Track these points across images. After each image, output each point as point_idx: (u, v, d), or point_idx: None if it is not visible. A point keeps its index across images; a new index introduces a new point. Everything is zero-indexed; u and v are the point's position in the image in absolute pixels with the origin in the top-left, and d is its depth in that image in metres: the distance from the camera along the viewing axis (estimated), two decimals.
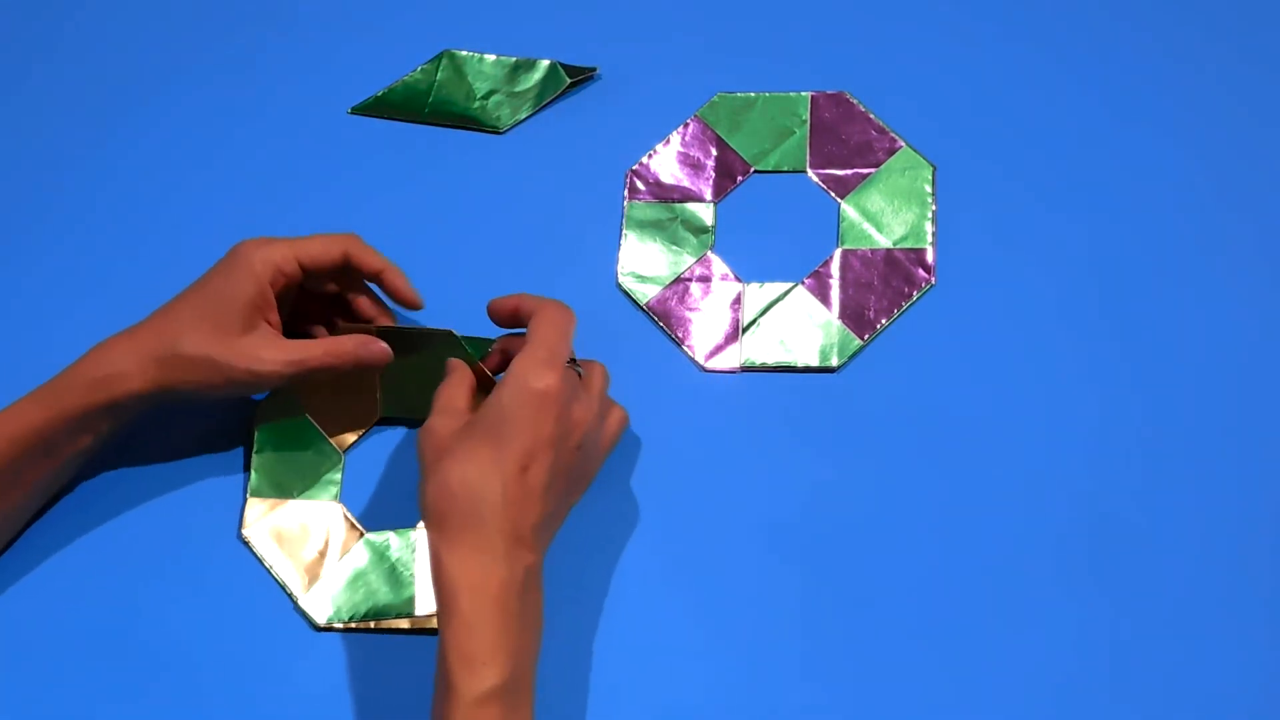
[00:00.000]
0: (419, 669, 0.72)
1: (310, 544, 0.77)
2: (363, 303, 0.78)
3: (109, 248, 0.87)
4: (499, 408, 0.67)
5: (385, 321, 0.79)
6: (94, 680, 0.75)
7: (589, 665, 0.72)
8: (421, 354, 0.76)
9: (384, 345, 0.75)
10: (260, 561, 0.77)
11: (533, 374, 0.67)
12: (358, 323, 0.78)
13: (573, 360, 0.71)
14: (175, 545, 0.78)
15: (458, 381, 0.72)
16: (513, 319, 0.74)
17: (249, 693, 0.74)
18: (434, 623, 0.73)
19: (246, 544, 0.77)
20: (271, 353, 0.73)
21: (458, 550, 0.65)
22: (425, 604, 0.74)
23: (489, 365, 0.75)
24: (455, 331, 0.74)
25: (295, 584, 0.76)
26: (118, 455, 0.79)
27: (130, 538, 0.78)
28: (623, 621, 0.73)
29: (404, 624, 0.74)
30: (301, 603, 0.75)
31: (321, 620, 0.75)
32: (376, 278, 0.76)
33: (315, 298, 0.79)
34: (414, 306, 0.77)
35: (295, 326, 0.79)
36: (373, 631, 0.75)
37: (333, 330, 0.79)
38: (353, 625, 0.75)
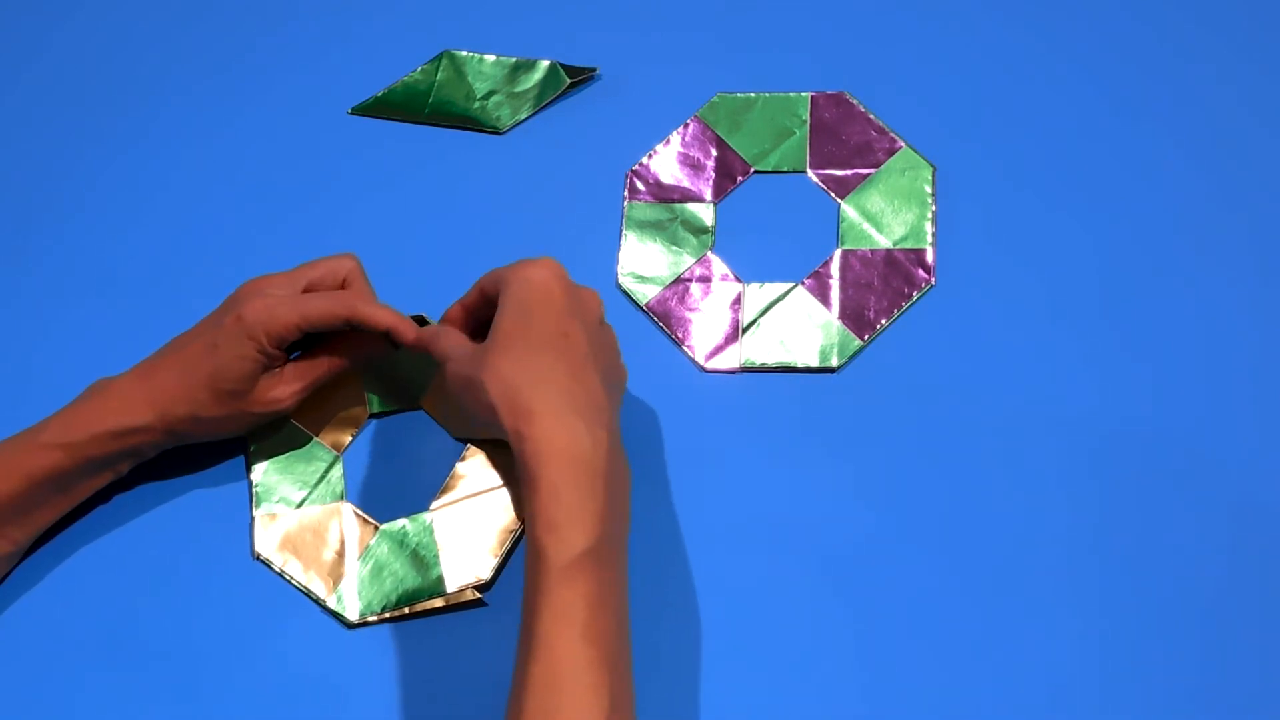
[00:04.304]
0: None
1: (327, 547, 0.77)
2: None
3: (108, 248, 0.87)
4: (512, 301, 0.68)
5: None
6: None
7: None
8: (400, 346, 0.77)
9: (381, 341, 0.76)
10: (281, 575, 0.76)
11: (525, 269, 0.68)
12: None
13: None
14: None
15: (450, 330, 0.72)
16: (466, 311, 0.74)
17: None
18: (469, 595, 0.74)
19: (263, 562, 0.77)
20: (284, 390, 0.75)
21: (536, 421, 0.64)
22: (456, 579, 0.74)
23: (466, 321, 0.75)
24: (426, 315, 0.76)
25: (320, 589, 0.76)
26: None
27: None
28: None
29: (439, 603, 0.74)
30: (330, 605, 0.75)
31: (354, 617, 0.75)
32: (386, 336, 0.75)
33: None
34: (424, 349, 0.75)
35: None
36: (408, 617, 0.75)
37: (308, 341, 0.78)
38: (387, 615, 0.75)
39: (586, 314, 0.69)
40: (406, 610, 0.74)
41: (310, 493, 0.78)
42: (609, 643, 0.62)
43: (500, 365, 0.66)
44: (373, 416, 0.80)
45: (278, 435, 0.79)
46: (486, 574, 0.74)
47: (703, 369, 0.79)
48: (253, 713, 0.73)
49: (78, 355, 0.83)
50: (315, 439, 0.79)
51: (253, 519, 0.78)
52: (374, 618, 0.75)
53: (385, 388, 0.80)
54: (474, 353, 0.69)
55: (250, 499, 0.78)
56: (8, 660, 0.76)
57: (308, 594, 0.76)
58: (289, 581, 0.76)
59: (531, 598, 0.62)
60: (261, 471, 0.79)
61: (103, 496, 0.78)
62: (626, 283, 0.82)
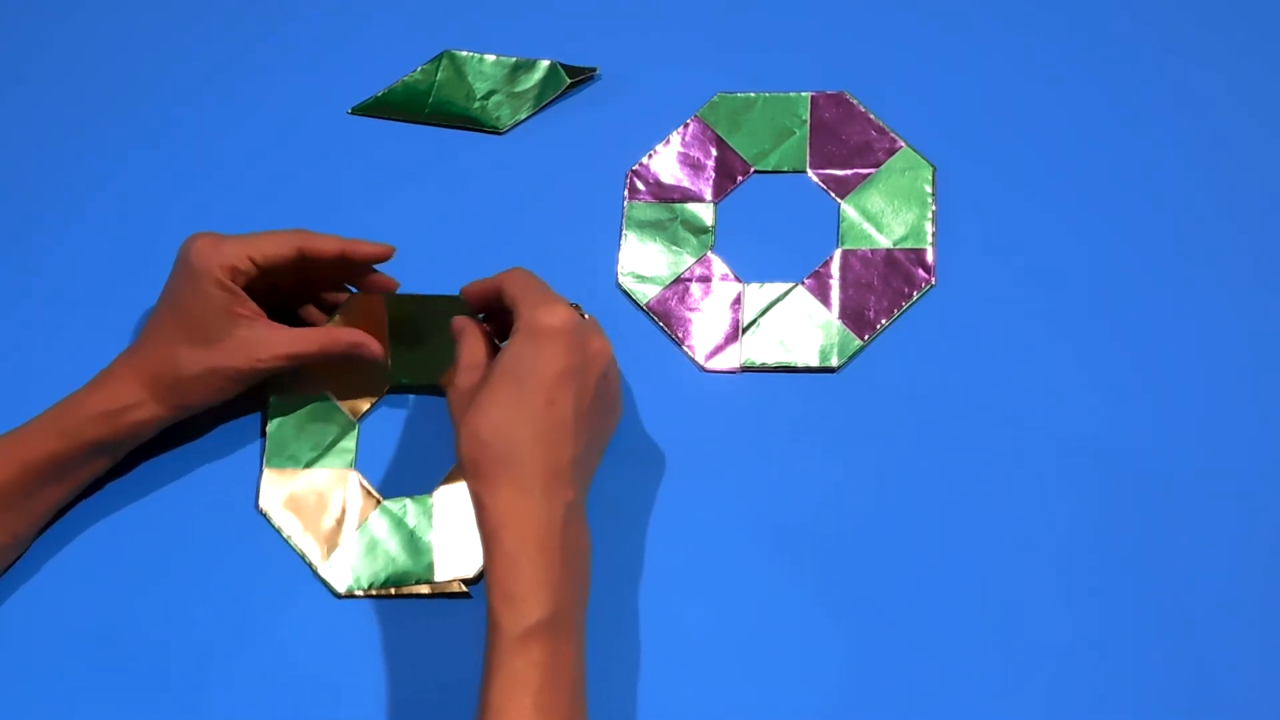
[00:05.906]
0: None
1: (328, 513, 0.77)
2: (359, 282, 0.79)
3: (108, 248, 0.87)
4: (515, 350, 0.68)
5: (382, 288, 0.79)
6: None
7: (586, 666, 0.72)
8: (431, 320, 0.76)
9: (378, 346, 0.76)
10: (279, 532, 0.77)
11: (540, 312, 0.68)
12: (368, 294, 0.78)
13: (577, 306, 0.72)
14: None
15: (472, 338, 0.72)
16: (483, 298, 0.74)
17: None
18: (455, 587, 0.75)
19: (264, 516, 0.78)
20: (267, 348, 0.75)
21: (496, 492, 0.66)
22: (445, 570, 0.75)
23: (476, 305, 0.75)
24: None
25: (314, 553, 0.77)
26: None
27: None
28: (620, 621, 0.73)
29: (424, 589, 0.75)
30: (321, 571, 0.76)
31: (341, 589, 0.76)
32: (340, 259, 0.76)
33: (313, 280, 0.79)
34: (386, 257, 0.76)
35: (302, 301, 0.80)
36: (394, 597, 0.75)
37: (336, 306, 0.80)
38: (373, 592, 0.75)
39: (588, 373, 0.69)
40: (393, 591, 0.75)
41: (321, 455, 0.79)
42: (562, 712, 0.63)
43: (479, 422, 0.67)
44: (393, 389, 0.80)
45: (297, 394, 0.80)
46: (474, 570, 0.75)
47: (703, 369, 0.79)
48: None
49: (78, 356, 0.83)
50: (334, 402, 0.80)
51: (261, 472, 0.78)
52: (360, 593, 0.75)
53: (411, 362, 0.80)
54: (470, 390, 0.69)
55: (262, 452, 0.79)
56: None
57: (301, 556, 0.77)
58: (286, 540, 0.77)
59: (487, 665, 0.64)
60: (277, 428, 0.80)
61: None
62: (626, 283, 0.82)
